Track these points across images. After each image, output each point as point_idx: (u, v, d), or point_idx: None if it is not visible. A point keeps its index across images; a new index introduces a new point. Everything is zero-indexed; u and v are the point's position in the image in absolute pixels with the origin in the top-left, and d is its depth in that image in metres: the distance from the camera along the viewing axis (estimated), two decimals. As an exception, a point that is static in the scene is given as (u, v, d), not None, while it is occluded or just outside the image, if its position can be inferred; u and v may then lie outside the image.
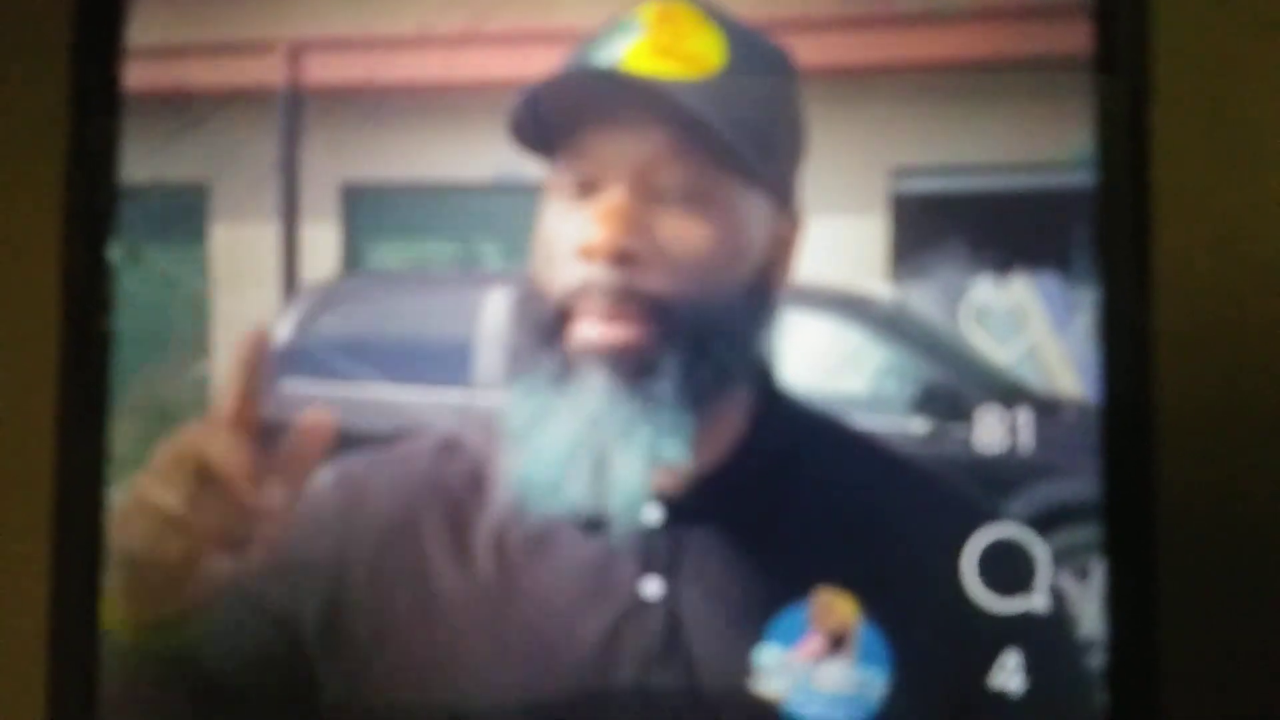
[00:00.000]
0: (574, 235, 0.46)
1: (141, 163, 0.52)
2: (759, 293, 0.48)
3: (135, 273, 0.52)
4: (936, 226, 0.48)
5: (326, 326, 0.52)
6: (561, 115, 0.46)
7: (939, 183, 0.49)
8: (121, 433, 0.51)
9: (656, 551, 0.47)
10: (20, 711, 0.53)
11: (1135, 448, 0.47)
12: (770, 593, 0.46)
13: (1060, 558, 0.47)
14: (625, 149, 0.46)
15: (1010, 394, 0.48)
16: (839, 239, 0.51)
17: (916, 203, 0.50)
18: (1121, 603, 0.46)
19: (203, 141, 0.52)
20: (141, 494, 0.43)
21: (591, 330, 0.46)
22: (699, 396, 0.46)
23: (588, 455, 0.46)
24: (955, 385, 0.49)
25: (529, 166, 0.49)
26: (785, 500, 0.47)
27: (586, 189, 0.47)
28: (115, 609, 0.47)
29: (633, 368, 0.45)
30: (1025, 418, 0.48)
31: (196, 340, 0.52)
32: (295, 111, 0.52)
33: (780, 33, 0.49)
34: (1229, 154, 0.51)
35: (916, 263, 0.49)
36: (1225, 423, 0.49)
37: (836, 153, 0.50)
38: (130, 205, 0.52)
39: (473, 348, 0.51)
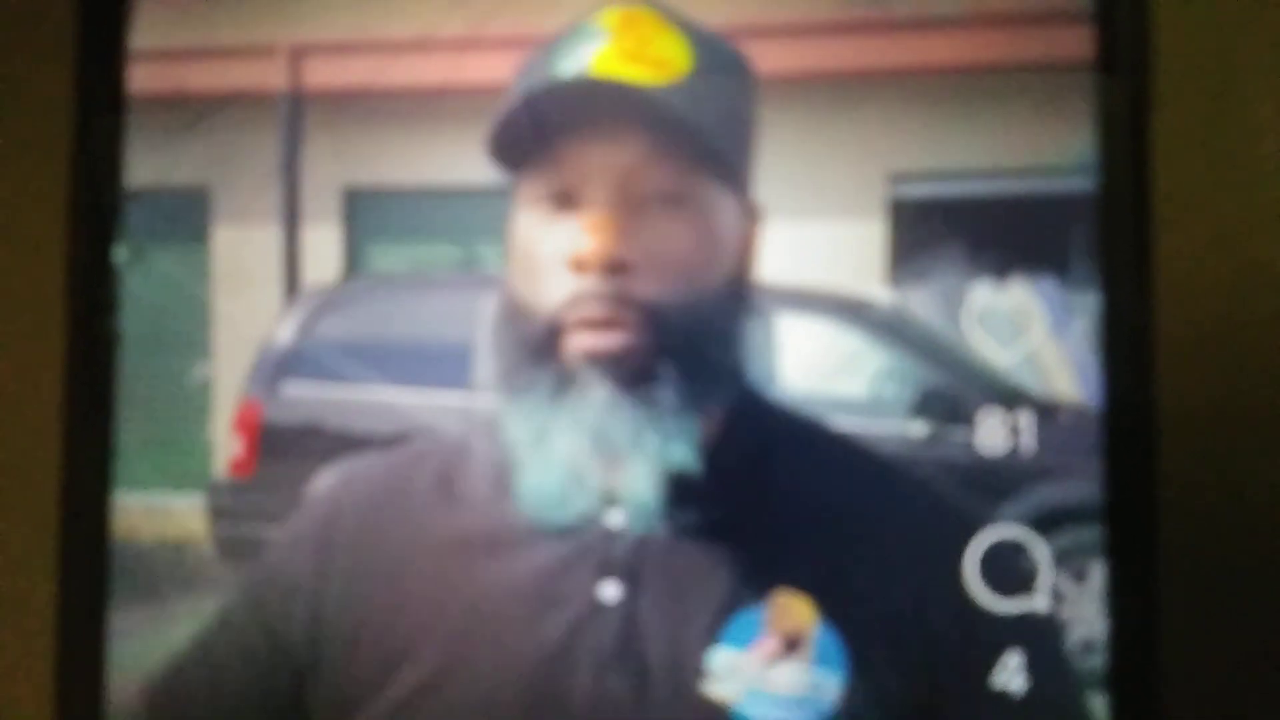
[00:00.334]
0: (559, 247, 0.46)
1: (144, 165, 0.52)
2: (737, 291, 0.48)
3: (138, 274, 0.52)
4: (935, 231, 0.48)
5: (328, 329, 0.52)
6: (537, 127, 0.46)
7: (938, 187, 0.49)
8: (125, 433, 0.51)
9: (617, 555, 0.46)
10: (29, 712, 0.53)
11: (1137, 451, 0.47)
12: (730, 596, 0.46)
13: (1058, 559, 0.47)
14: (605, 157, 0.46)
15: (1009, 397, 0.48)
16: (839, 243, 0.51)
17: (915, 207, 0.50)
18: (1123, 604, 0.46)
19: (204, 144, 0.52)
20: None
21: (588, 340, 0.45)
22: (699, 398, 0.46)
23: (597, 465, 0.46)
24: (954, 388, 0.49)
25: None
26: (751, 502, 0.47)
27: (565, 200, 0.46)
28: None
29: (633, 374, 0.45)
30: (1024, 420, 0.48)
31: (198, 342, 0.52)
32: (297, 115, 0.52)
33: (780, 38, 0.49)
34: (1229, 158, 0.51)
35: (915, 267, 0.49)
36: (1226, 425, 0.49)
37: (836, 157, 0.50)
38: (133, 208, 0.52)
39: (473, 350, 0.51)
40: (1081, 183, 0.48)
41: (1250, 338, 0.50)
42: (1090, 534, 0.47)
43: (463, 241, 0.53)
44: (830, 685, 0.45)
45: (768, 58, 0.49)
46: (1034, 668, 0.46)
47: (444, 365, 0.51)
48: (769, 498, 0.47)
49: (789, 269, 0.49)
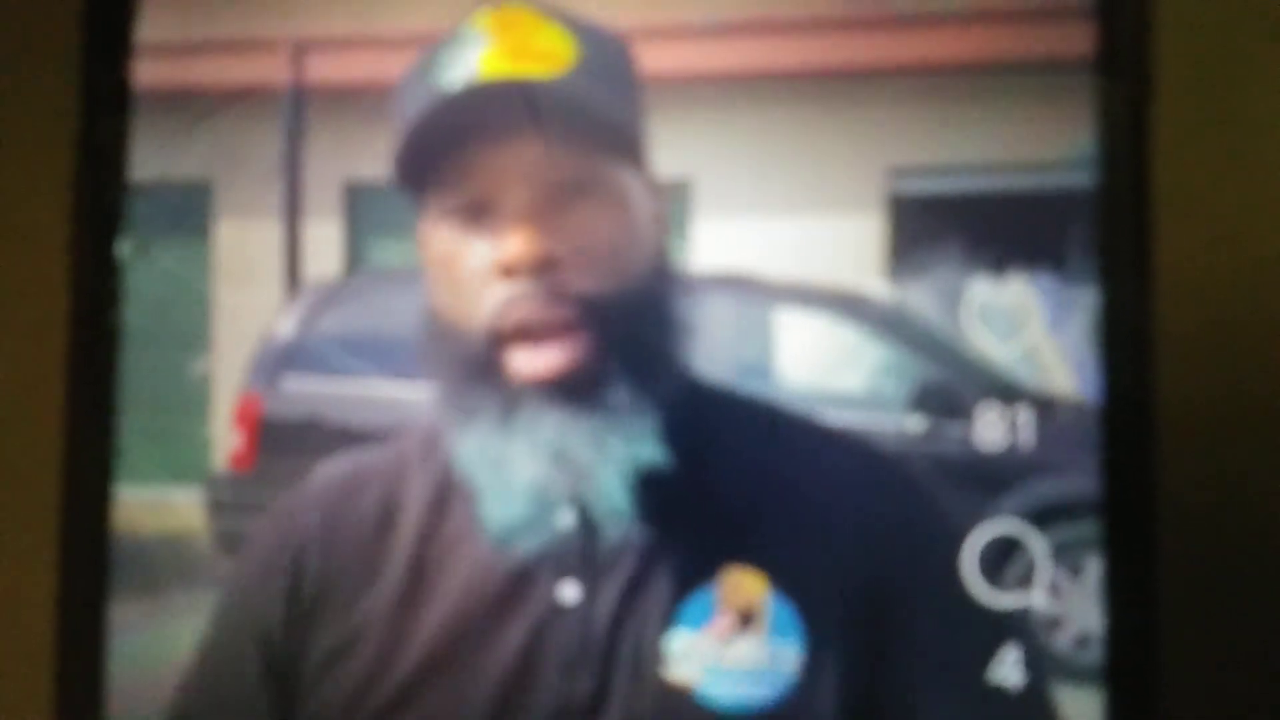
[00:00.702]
0: (481, 257, 0.45)
1: (147, 160, 0.52)
2: (661, 271, 0.48)
3: (141, 269, 0.52)
4: (934, 226, 0.49)
5: (328, 323, 0.52)
6: (437, 142, 0.45)
7: (936, 183, 0.49)
8: (125, 426, 0.51)
9: (571, 556, 0.46)
10: (28, 705, 0.53)
11: (1135, 446, 0.47)
12: (683, 580, 0.46)
13: (1054, 554, 0.47)
14: (510, 158, 0.45)
15: (1007, 392, 0.48)
16: (838, 238, 0.51)
17: (914, 202, 0.50)
18: (1121, 599, 0.46)
19: (207, 139, 0.52)
20: None
21: (530, 360, 0.45)
22: (651, 391, 0.46)
23: (563, 482, 0.45)
24: (952, 383, 0.49)
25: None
26: (699, 485, 0.47)
27: (478, 209, 0.46)
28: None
29: (583, 387, 0.45)
30: (1022, 416, 0.48)
31: (199, 336, 0.53)
32: (298, 110, 0.52)
33: (781, 34, 0.49)
34: (1229, 153, 0.51)
35: (915, 262, 0.49)
36: (1224, 420, 0.49)
37: (836, 152, 0.51)
38: (136, 202, 0.52)
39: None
40: (1081, 178, 0.48)
41: (1249, 332, 0.50)
42: (1086, 529, 0.47)
43: (463, 236, 0.53)
44: (788, 656, 0.45)
45: (769, 54, 0.50)
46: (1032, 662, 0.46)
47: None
48: (714, 478, 0.47)
49: (788, 263, 0.49)
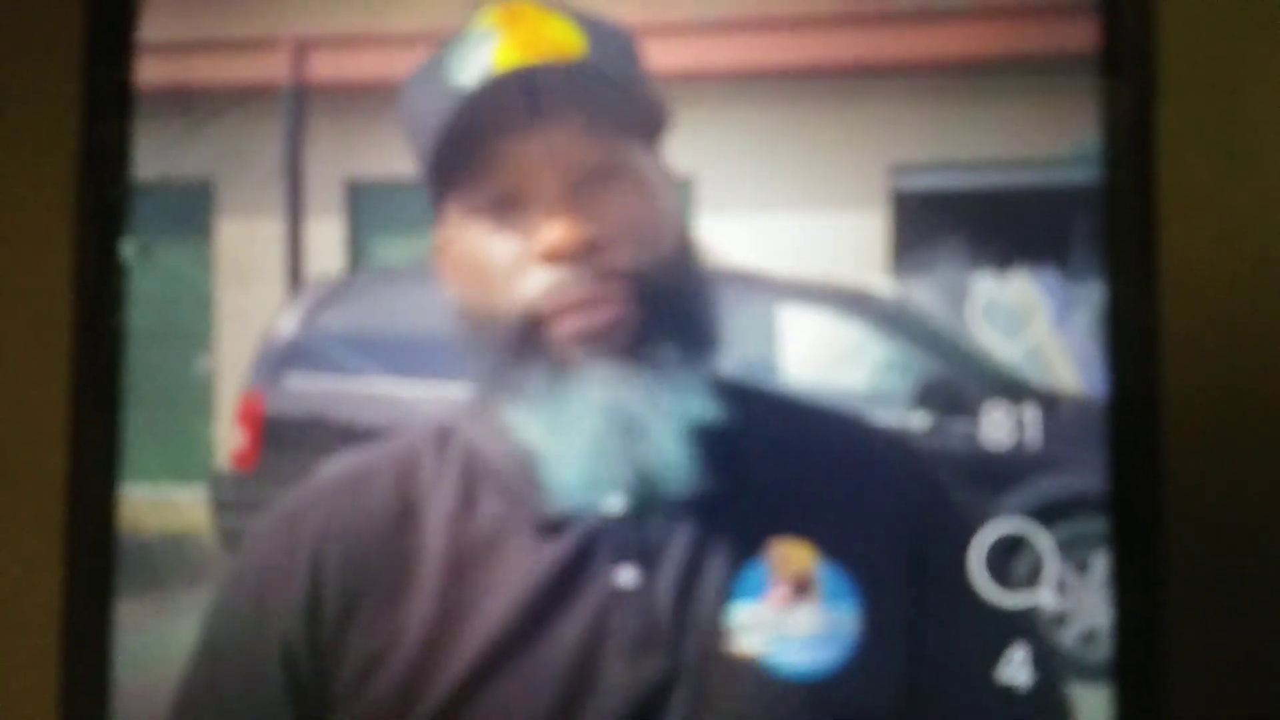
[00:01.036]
0: (513, 248, 0.46)
1: (148, 159, 0.52)
2: (689, 252, 0.48)
3: (144, 269, 0.52)
4: (937, 222, 0.49)
5: (331, 321, 0.52)
6: (462, 141, 0.46)
7: (940, 179, 0.49)
8: (128, 425, 0.51)
9: (625, 539, 0.46)
10: (34, 704, 0.53)
11: (1141, 442, 0.47)
12: (733, 554, 0.46)
13: (1061, 550, 0.47)
14: (537, 147, 0.45)
15: (1011, 389, 0.48)
16: (840, 234, 0.51)
17: (918, 199, 0.50)
18: (1127, 595, 0.46)
19: (208, 138, 0.52)
20: None
21: (575, 322, 0.45)
22: (698, 354, 0.46)
23: (619, 441, 0.45)
24: (956, 380, 0.49)
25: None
26: (733, 462, 0.47)
27: (508, 201, 0.46)
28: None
29: (629, 341, 0.45)
30: (1028, 413, 0.48)
31: (202, 334, 0.53)
32: (300, 108, 0.52)
33: (782, 31, 0.49)
34: (1235, 149, 0.51)
35: (917, 258, 0.49)
36: (1231, 416, 0.49)
37: (839, 149, 0.51)
38: (139, 202, 0.52)
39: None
40: (1085, 174, 0.48)
41: (1254, 328, 0.50)
42: (1093, 525, 0.47)
43: (465, 233, 0.53)
44: (846, 620, 0.46)
45: (771, 51, 0.50)
46: (1034, 661, 0.46)
47: (446, 357, 0.51)
48: (755, 452, 0.47)
49: (791, 260, 0.49)
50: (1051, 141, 0.48)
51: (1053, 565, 0.47)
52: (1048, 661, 0.46)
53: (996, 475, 0.48)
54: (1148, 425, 0.47)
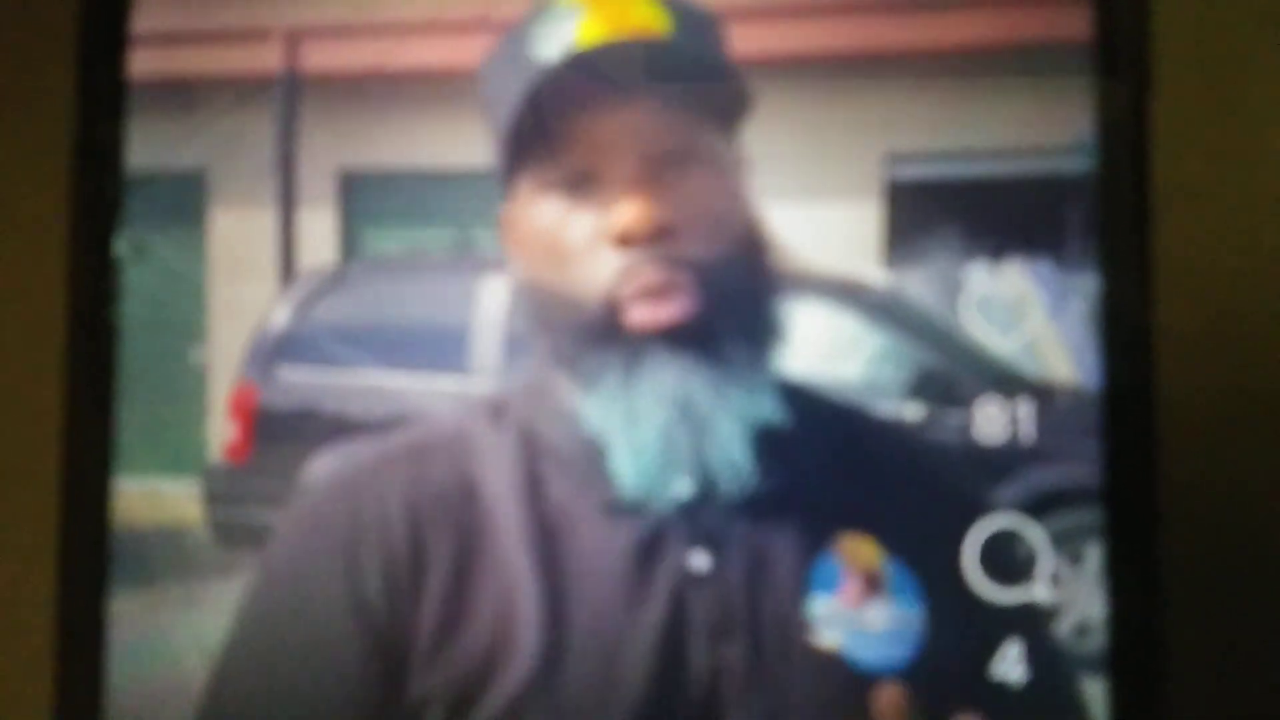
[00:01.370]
0: (587, 226, 0.46)
1: (141, 151, 0.52)
2: (761, 243, 0.48)
3: (137, 261, 0.52)
4: (931, 212, 0.49)
5: (324, 312, 0.52)
6: (541, 115, 0.46)
7: (935, 168, 0.49)
8: (121, 419, 0.51)
9: (697, 524, 0.46)
10: (28, 703, 0.53)
11: (1136, 432, 0.47)
12: (803, 546, 0.46)
13: (1054, 542, 0.47)
14: (616, 126, 0.45)
15: (1006, 379, 0.48)
16: (834, 224, 0.51)
17: (912, 188, 0.50)
18: (1123, 586, 0.46)
19: (201, 129, 0.52)
20: None
21: (652, 311, 0.45)
22: (766, 351, 0.46)
23: (685, 434, 0.45)
24: (950, 370, 0.49)
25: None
26: (794, 458, 0.47)
27: (583, 179, 0.46)
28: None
29: (702, 339, 0.45)
30: (1023, 408, 0.48)
31: (195, 326, 0.52)
32: (293, 99, 0.52)
33: (776, 19, 0.49)
34: (1229, 143, 0.51)
35: (911, 249, 0.49)
36: (1225, 407, 0.49)
37: (832, 138, 0.50)
38: (131, 194, 0.52)
39: (469, 334, 0.51)
40: (1079, 164, 0.48)
41: (1249, 321, 0.50)
42: (1087, 516, 0.47)
43: (458, 224, 0.53)
44: (913, 617, 0.46)
45: (764, 39, 0.50)
46: (1032, 658, 0.46)
47: (440, 349, 0.51)
48: (814, 453, 0.48)
49: (785, 250, 0.49)
50: (1048, 132, 0.48)
51: (1047, 560, 0.47)
52: (1046, 658, 0.46)
53: (988, 465, 0.48)
54: (1142, 418, 0.47)
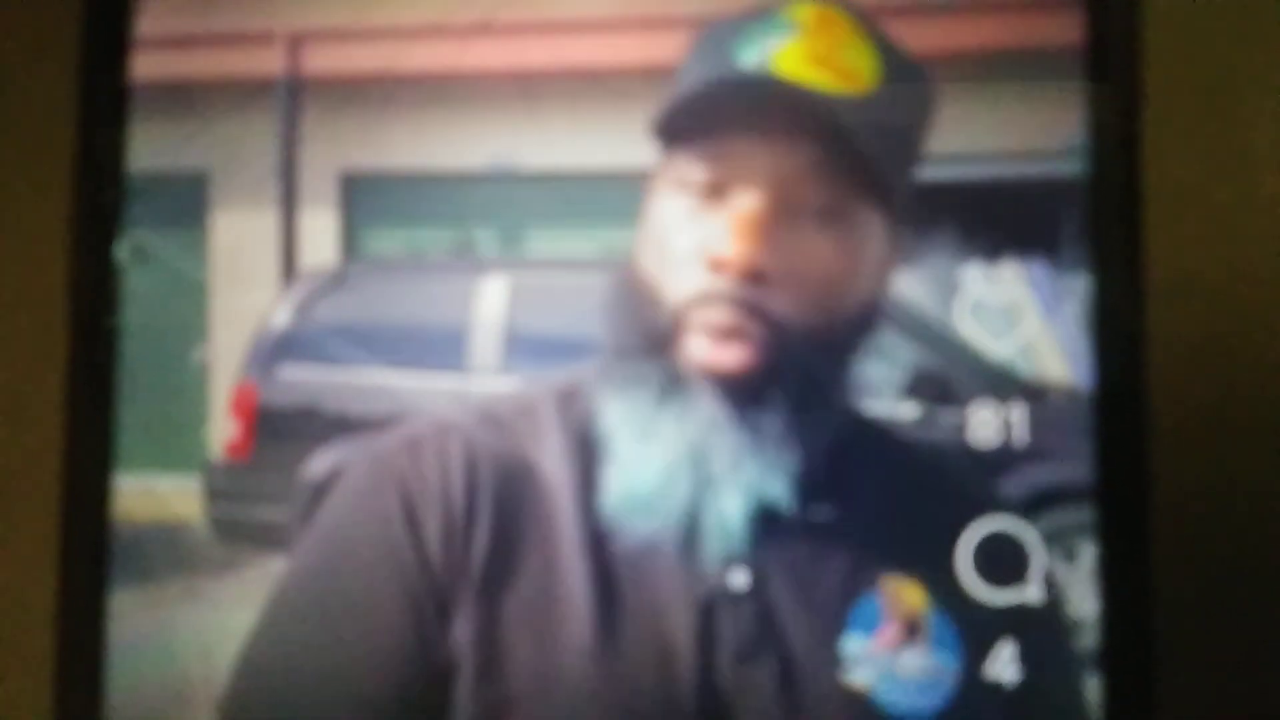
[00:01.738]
0: (699, 239, 0.45)
1: (143, 153, 0.52)
2: (866, 320, 0.47)
3: (140, 263, 0.52)
4: (928, 213, 0.49)
5: (324, 312, 0.53)
6: (706, 112, 0.45)
7: (930, 170, 0.49)
8: (122, 417, 0.51)
9: (738, 543, 0.45)
10: (28, 701, 0.53)
11: (1128, 432, 0.47)
12: (847, 584, 0.45)
13: (1048, 540, 0.47)
14: (768, 159, 0.44)
15: (1000, 379, 0.48)
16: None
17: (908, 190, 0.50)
18: (1115, 584, 0.47)
19: (203, 131, 0.52)
20: None
21: (706, 349, 0.44)
22: (802, 431, 0.45)
23: (689, 480, 0.45)
24: (945, 369, 0.49)
25: (523, 154, 0.49)
26: (850, 495, 0.47)
27: (716, 191, 0.45)
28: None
29: (744, 395, 0.44)
30: (1016, 411, 0.48)
31: (196, 326, 0.53)
32: (294, 101, 0.52)
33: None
34: (1220, 149, 0.51)
35: (908, 249, 0.49)
36: (1216, 407, 0.50)
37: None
38: (133, 196, 0.52)
39: (469, 333, 0.52)
40: (1072, 167, 0.48)
41: (1239, 324, 0.50)
42: (1079, 514, 0.47)
43: (458, 225, 0.53)
44: (949, 669, 0.46)
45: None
46: (1029, 658, 0.46)
47: (439, 348, 0.51)
48: (861, 490, 0.47)
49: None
50: (1042, 135, 0.48)
51: (1040, 560, 0.47)
52: (1045, 659, 0.47)
53: (982, 464, 0.48)
54: (1133, 418, 0.47)
